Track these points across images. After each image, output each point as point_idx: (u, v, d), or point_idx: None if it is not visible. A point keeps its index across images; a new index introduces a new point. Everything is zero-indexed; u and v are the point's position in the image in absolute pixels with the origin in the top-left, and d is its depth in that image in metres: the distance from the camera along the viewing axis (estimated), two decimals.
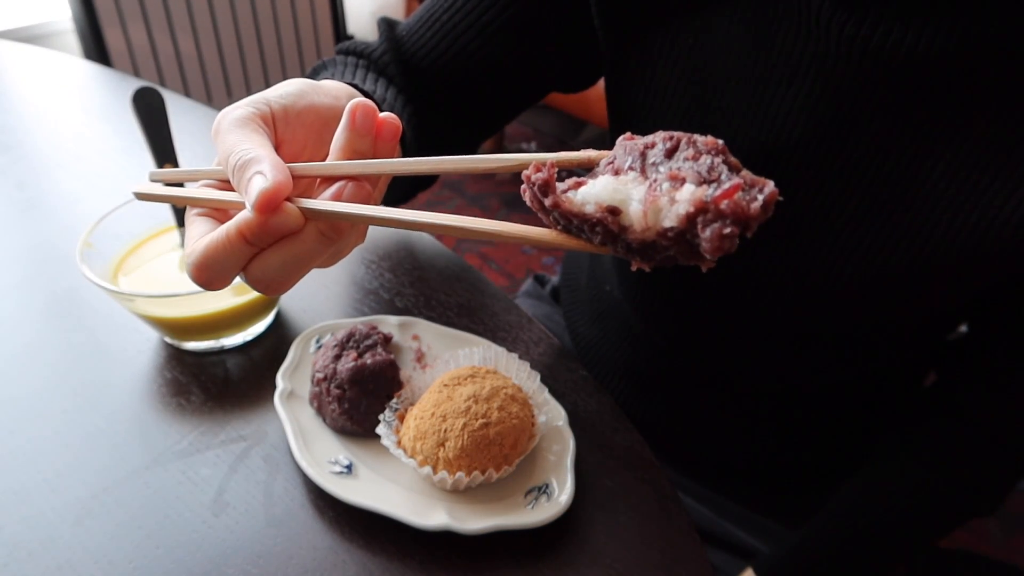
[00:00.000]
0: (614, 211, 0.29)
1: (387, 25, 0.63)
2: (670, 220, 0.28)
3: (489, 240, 0.31)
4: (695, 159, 0.28)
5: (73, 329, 0.65)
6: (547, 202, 0.30)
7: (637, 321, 0.70)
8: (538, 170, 0.31)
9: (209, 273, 0.34)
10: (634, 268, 0.30)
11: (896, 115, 0.47)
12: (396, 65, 0.61)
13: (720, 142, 0.29)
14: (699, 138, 0.29)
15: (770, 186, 0.27)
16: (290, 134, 0.39)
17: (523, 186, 0.31)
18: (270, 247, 0.34)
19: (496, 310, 0.68)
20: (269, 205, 0.32)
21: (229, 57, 2.51)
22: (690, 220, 0.27)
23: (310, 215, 0.34)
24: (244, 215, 0.33)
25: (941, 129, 0.46)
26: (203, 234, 0.35)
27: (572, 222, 0.30)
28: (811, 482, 0.72)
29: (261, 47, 2.54)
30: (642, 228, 0.29)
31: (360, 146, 0.35)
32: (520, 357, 0.56)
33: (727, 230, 0.26)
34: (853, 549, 0.60)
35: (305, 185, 0.38)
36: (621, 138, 0.31)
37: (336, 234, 0.34)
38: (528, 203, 0.31)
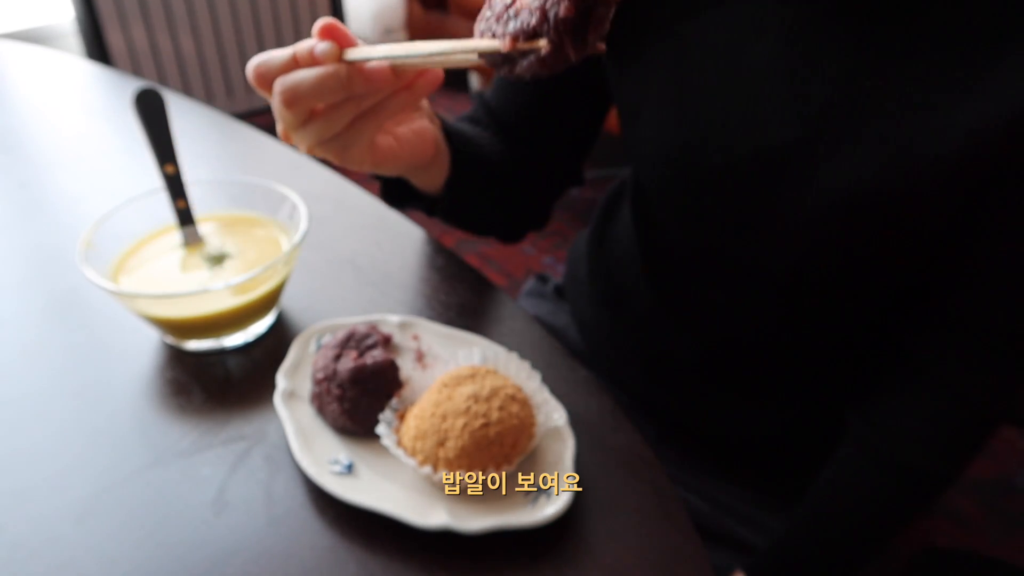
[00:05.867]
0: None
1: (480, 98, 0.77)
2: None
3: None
4: None
5: (74, 329, 0.66)
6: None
7: (649, 297, 0.72)
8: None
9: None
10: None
11: (855, 49, 0.51)
12: (485, 114, 0.75)
13: None
14: None
15: None
16: None
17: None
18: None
19: (496, 310, 0.68)
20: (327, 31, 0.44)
21: (230, 57, 2.51)
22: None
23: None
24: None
25: (896, 49, 0.50)
26: None
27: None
28: (816, 467, 0.73)
29: (262, 47, 2.54)
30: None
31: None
32: (520, 357, 0.56)
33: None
34: (829, 535, 0.61)
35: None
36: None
37: (361, 78, 0.44)
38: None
